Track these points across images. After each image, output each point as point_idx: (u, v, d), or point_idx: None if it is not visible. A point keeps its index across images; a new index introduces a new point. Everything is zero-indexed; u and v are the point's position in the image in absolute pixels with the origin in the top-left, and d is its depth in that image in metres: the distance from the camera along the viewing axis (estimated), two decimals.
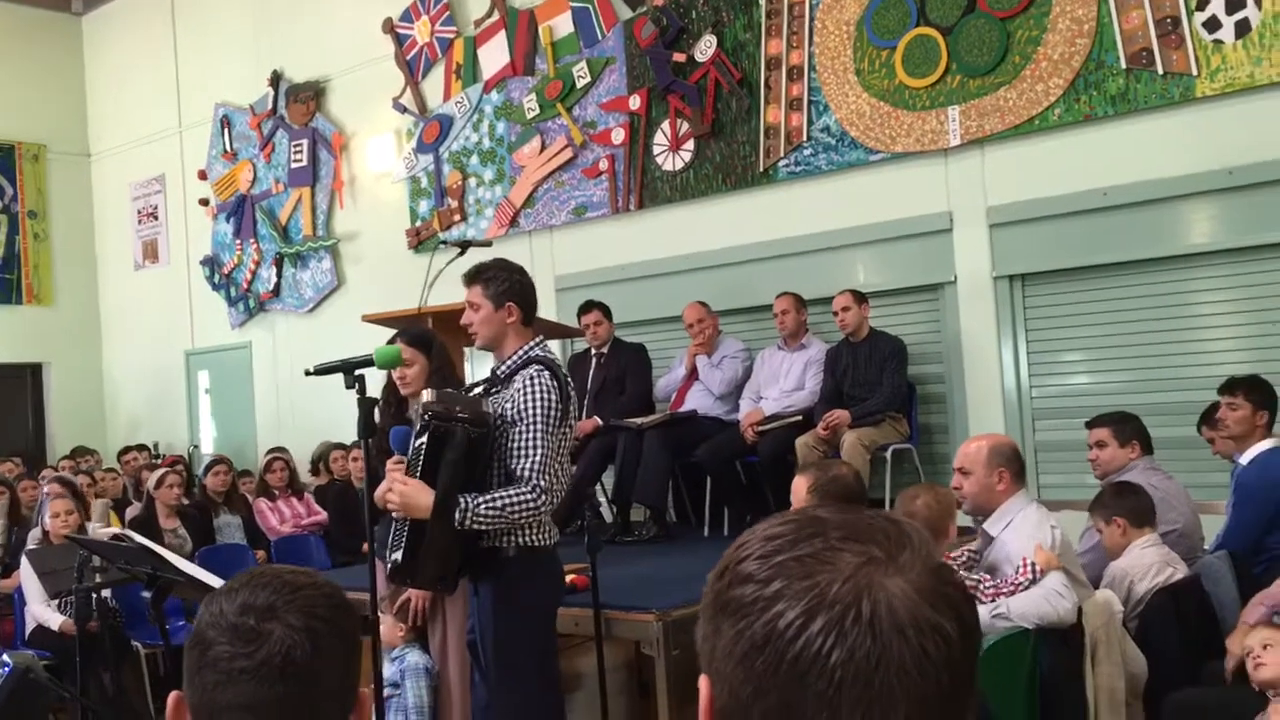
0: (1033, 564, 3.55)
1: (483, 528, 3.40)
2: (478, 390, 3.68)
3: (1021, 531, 3.68)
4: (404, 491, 3.39)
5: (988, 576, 3.67)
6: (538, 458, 3.43)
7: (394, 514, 3.50)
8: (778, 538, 0.82)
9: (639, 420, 6.53)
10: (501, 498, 3.39)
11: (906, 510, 3.62)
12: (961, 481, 3.82)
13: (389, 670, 4.21)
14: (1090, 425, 4.86)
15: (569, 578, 4.06)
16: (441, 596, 4.13)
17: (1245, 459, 4.51)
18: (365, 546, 3.64)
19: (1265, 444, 4.47)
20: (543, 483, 3.42)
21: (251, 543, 7.41)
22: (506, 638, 3.53)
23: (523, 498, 3.40)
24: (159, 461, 9.31)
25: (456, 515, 3.34)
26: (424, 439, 3.41)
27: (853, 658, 0.76)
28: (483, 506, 3.36)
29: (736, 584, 0.81)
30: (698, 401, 6.76)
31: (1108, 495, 4.27)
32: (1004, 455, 3.82)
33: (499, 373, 3.65)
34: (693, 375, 6.83)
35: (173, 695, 1.25)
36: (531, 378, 3.50)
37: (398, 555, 3.49)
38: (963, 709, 0.79)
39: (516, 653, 3.54)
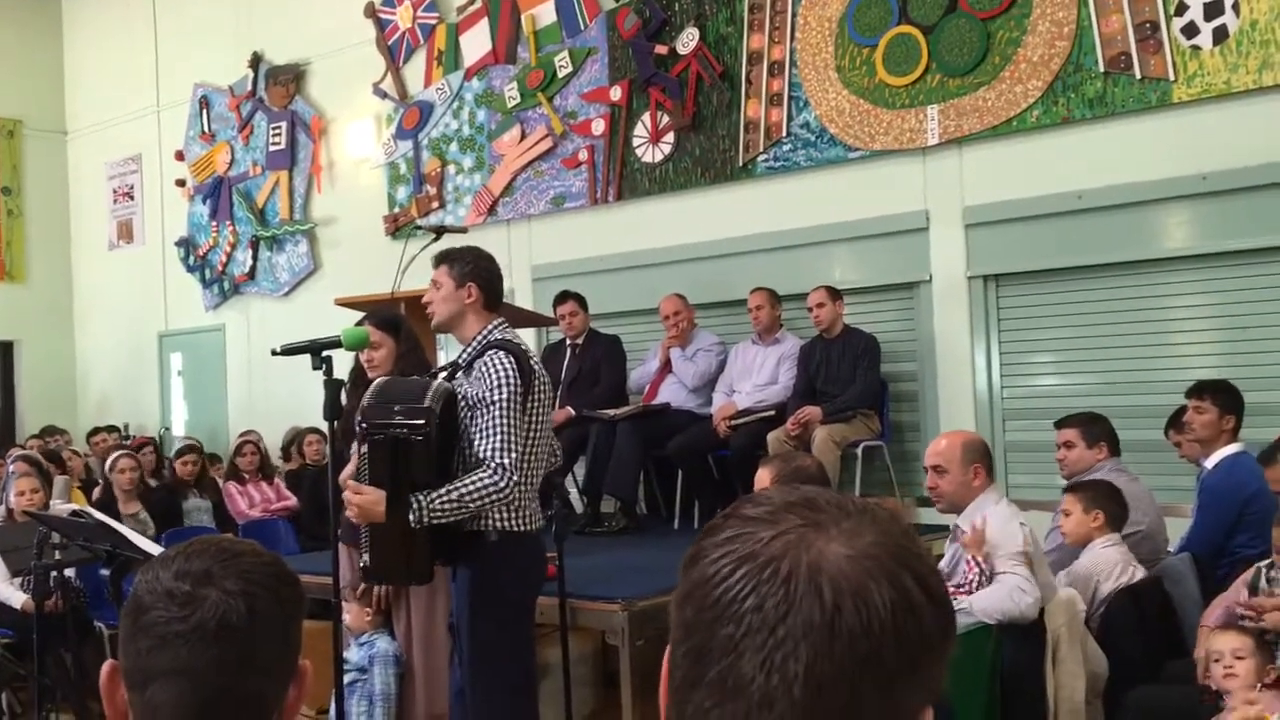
0: (976, 562, 3.57)
1: (444, 520, 3.36)
2: (441, 376, 3.66)
3: (991, 526, 3.70)
4: (358, 501, 3.36)
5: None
6: (498, 440, 3.41)
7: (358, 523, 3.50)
8: (750, 501, 0.85)
9: (612, 412, 6.53)
10: (458, 487, 3.35)
11: None
12: (937, 480, 3.83)
13: (356, 654, 4.20)
14: (1059, 426, 4.88)
15: None
16: (406, 585, 4.12)
17: (1210, 463, 4.54)
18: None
19: (1230, 448, 4.50)
20: (505, 462, 3.39)
21: (220, 527, 7.35)
22: (484, 622, 3.52)
23: (483, 481, 3.37)
24: (129, 442, 9.23)
25: (411, 517, 3.31)
26: (365, 448, 3.40)
27: (762, 607, 0.76)
28: (438, 501, 3.32)
29: (702, 538, 0.84)
30: (671, 394, 6.75)
31: (1099, 488, 4.29)
32: (977, 451, 3.85)
33: (460, 359, 3.64)
34: (666, 367, 6.82)
35: (107, 664, 1.23)
36: (488, 360, 3.49)
37: (366, 557, 3.49)
38: (890, 683, 0.76)
39: (493, 638, 3.53)
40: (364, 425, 3.39)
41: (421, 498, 3.31)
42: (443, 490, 3.34)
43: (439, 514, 3.34)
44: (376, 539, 3.44)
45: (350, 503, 3.38)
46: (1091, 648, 3.85)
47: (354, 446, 3.63)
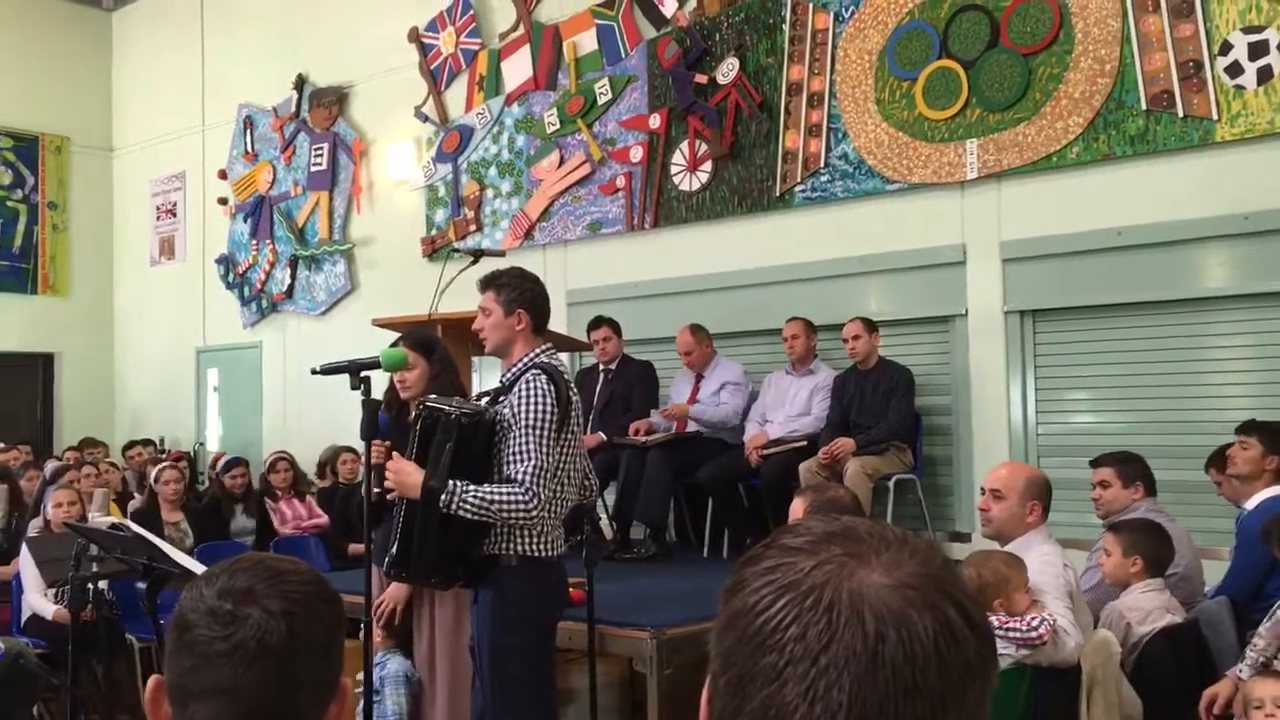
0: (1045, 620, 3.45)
1: (468, 515, 3.40)
2: (484, 400, 3.69)
3: (1032, 567, 3.66)
4: (396, 468, 3.46)
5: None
6: (531, 465, 3.44)
7: (389, 497, 3.55)
8: (790, 531, 0.86)
9: (643, 438, 6.53)
10: (492, 491, 3.41)
11: (975, 569, 3.50)
12: (990, 504, 3.80)
13: (375, 675, 4.20)
14: (1094, 464, 4.83)
15: None
16: (430, 605, 4.13)
17: (1251, 504, 4.49)
18: (358, 547, 3.66)
19: (1270, 491, 4.45)
20: (536, 488, 3.42)
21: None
22: (503, 647, 3.53)
23: (514, 498, 3.41)
24: (164, 456, 9.32)
25: (443, 496, 3.36)
26: (417, 426, 3.52)
27: (804, 635, 0.77)
28: (471, 494, 3.38)
29: (742, 568, 0.85)
30: None
31: (1140, 531, 4.16)
32: (1039, 488, 3.82)
33: (503, 380, 3.67)
34: (696, 393, 6.82)
35: (152, 679, 1.24)
36: (527, 383, 3.52)
37: (394, 549, 3.52)
38: (934, 713, 0.77)
39: (513, 662, 3.54)
40: (421, 406, 3.55)
41: (458, 483, 3.38)
42: (476, 487, 3.40)
43: (466, 506, 3.39)
44: (407, 529, 3.48)
45: (389, 471, 3.48)
46: (1126, 691, 3.79)
47: (373, 446, 3.68)
